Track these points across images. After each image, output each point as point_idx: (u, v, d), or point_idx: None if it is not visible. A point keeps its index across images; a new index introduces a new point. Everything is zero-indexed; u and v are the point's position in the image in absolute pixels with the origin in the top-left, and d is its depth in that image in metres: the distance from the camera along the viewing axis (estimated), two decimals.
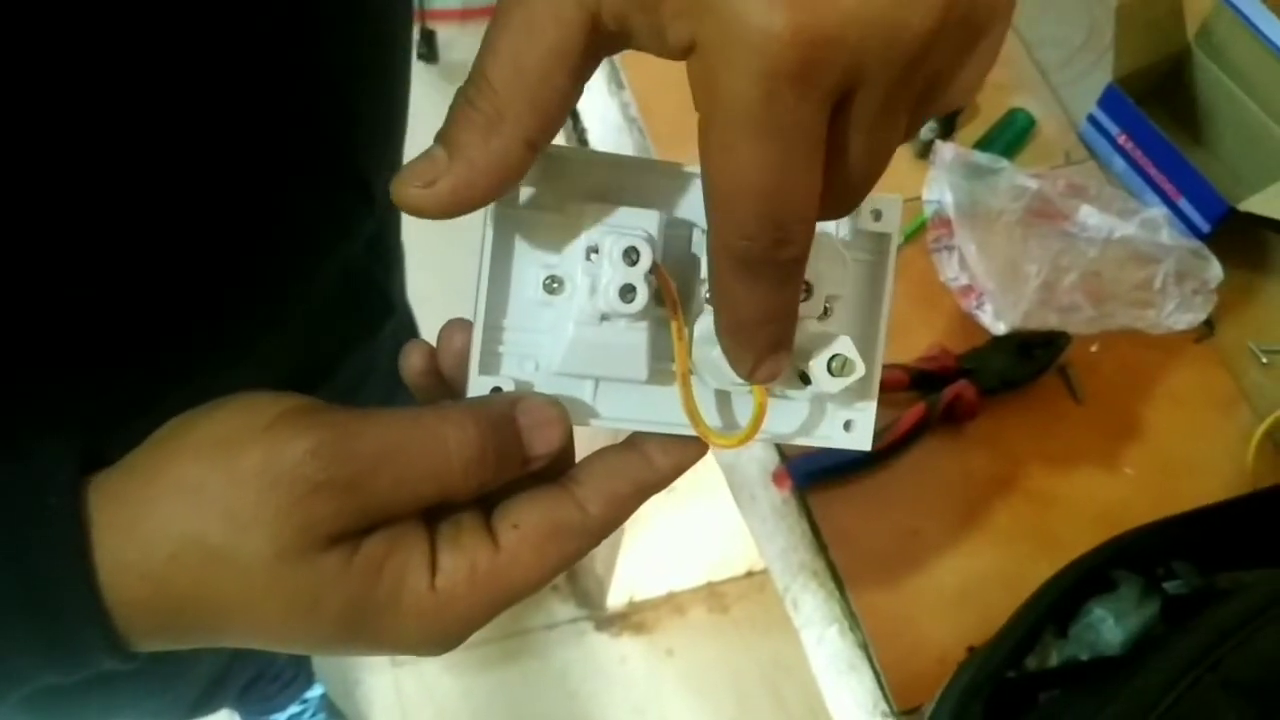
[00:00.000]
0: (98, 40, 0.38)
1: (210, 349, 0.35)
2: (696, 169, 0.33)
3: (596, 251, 0.33)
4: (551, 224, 0.35)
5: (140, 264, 0.45)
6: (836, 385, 0.34)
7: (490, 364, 0.35)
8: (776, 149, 0.26)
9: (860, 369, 0.34)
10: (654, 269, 0.33)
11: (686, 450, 0.35)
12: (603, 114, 0.84)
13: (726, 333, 0.31)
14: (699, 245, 0.35)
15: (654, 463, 0.35)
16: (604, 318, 0.34)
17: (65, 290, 0.42)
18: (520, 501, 0.34)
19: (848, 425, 0.38)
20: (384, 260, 0.64)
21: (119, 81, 0.40)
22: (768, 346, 0.31)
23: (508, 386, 0.35)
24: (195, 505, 0.30)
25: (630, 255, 0.33)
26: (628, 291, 0.33)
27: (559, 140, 0.33)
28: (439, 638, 0.33)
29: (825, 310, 0.35)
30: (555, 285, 0.35)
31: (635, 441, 0.35)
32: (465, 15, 2.02)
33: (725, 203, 0.28)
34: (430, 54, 1.95)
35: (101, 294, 0.44)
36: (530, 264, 0.36)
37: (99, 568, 0.30)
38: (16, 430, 0.35)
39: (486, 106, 0.30)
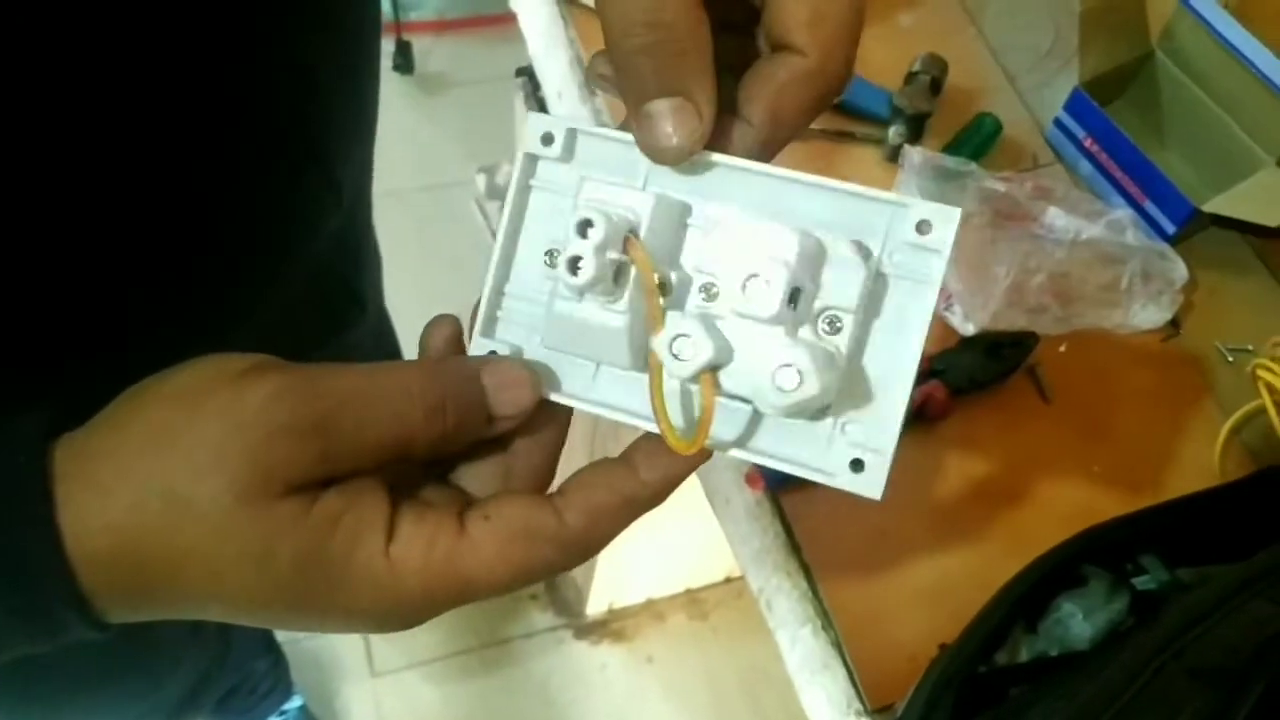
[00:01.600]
0: (66, 41, 0.38)
1: (177, 341, 0.35)
2: (711, 155, 0.33)
3: (591, 226, 0.32)
4: (559, 199, 0.35)
5: (103, 256, 0.45)
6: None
7: (490, 329, 0.35)
8: None
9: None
10: (627, 247, 0.32)
11: (672, 462, 0.34)
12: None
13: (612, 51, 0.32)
14: (693, 234, 0.34)
15: (639, 474, 0.34)
16: (582, 295, 0.33)
17: (31, 284, 0.42)
18: (497, 497, 0.34)
19: (856, 465, 0.34)
20: (353, 258, 0.64)
21: (81, 75, 0.40)
22: (651, 72, 0.32)
23: (504, 352, 0.35)
24: (157, 451, 0.30)
25: (583, 227, 0.32)
26: (574, 263, 0.32)
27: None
28: (389, 608, 0.33)
29: (830, 325, 0.33)
30: (551, 259, 0.35)
31: (627, 453, 0.35)
32: (440, 27, 2.02)
33: (829, 35, 0.32)
34: (406, 65, 1.95)
35: (68, 288, 0.44)
36: (538, 236, 0.36)
37: (63, 523, 0.30)
38: None
39: (678, 48, 0.32)
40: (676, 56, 0.32)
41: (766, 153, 0.34)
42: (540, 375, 0.34)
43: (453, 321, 0.36)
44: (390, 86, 1.97)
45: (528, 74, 1.00)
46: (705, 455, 0.34)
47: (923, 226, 0.33)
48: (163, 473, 0.30)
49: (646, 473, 0.34)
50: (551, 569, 0.34)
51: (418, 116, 1.95)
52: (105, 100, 0.41)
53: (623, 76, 0.32)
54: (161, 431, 0.30)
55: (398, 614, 0.33)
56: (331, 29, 0.54)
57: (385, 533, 0.32)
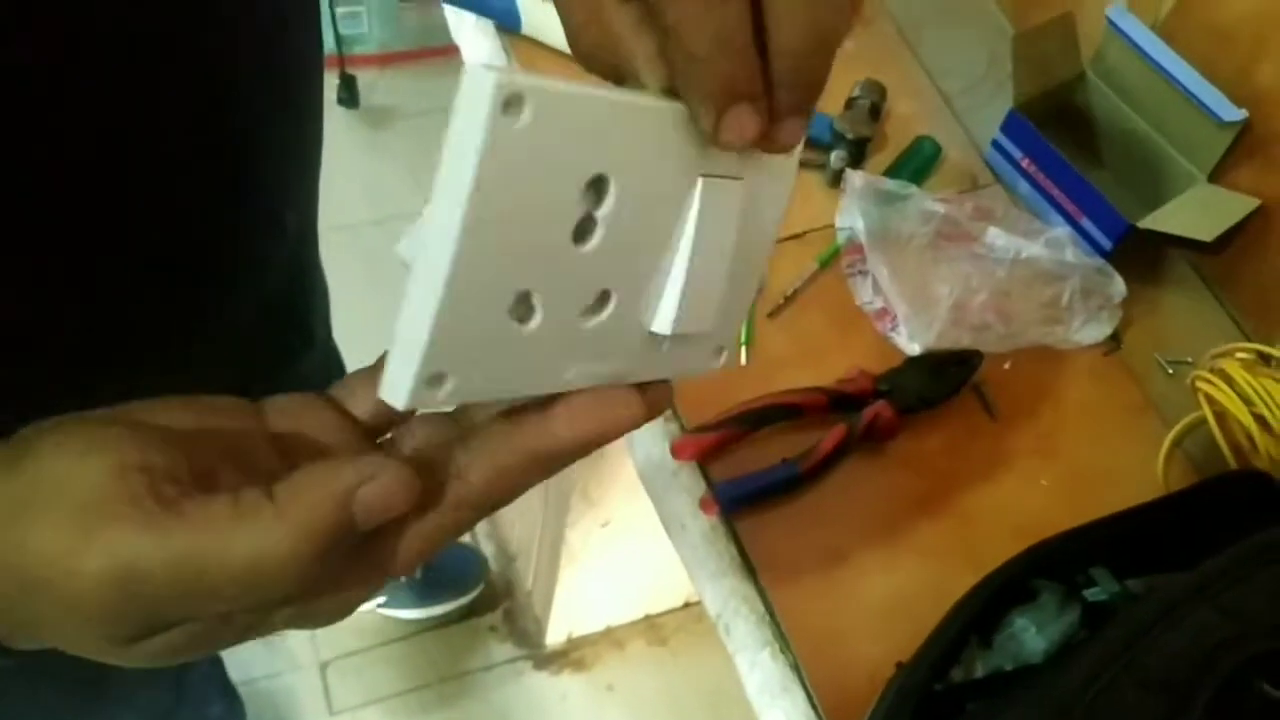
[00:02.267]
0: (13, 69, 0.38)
1: (121, 374, 0.34)
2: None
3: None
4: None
5: (48, 290, 0.45)
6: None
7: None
8: None
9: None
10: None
11: (601, 421, 0.32)
12: None
13: (679, 74, 0.30)
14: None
15: (554, 429, 0.32)
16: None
17: None
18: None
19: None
20: (302, 292, 0.64)
21: (17, 105, 0.39)
22: (726, 88, 0.29)
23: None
24: (3, 569, 0.30)
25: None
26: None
27: None
28: (309, 624, 0.33)
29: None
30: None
31: (543, 405, 0.32)
32: (384, 60, 2.02)
33: None
34: (350, 99, 1.95)
35: (8, 317, 0.44)
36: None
37: None
38: None
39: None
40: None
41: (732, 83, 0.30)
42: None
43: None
44: (335, 120, 1.97)
45: None
46: (627, 427, 0.33)
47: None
48: (20, 605, 0.31)
49: (565, 429, 0.32)
50: (450, 537, 0.33)
51: (364, 150, 1.94)
52: (37, 132, 0.41)
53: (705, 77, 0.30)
54: (6, 562, 0.30)
55: (314, 623, 0.33)
56: (270, 62, 0.54)
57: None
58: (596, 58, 0.33)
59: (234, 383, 0.37)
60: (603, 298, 0.32)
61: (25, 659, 0.33)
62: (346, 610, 0.33)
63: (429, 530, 0.32)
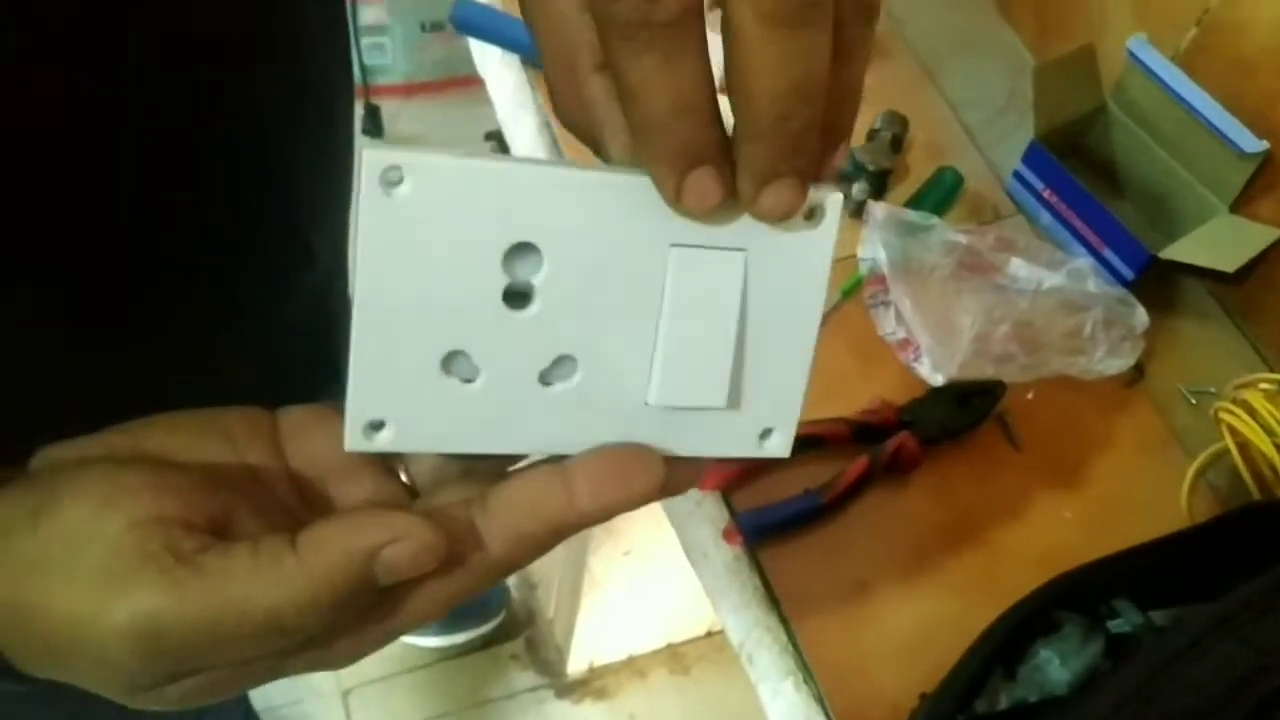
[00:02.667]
0: (36, 98, 0.39)
1: (143, 397, 0.35)
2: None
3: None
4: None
5: (73, 317, 0.46)
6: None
7: None
8: None
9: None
10: None
11: (619, 493, 0.32)
12: None
13: (638, 142, 0.29)
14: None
15: (576, 503, 0.32)
16: None
17: None
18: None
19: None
20: (329, 320, 0.64)
21: (46, 133, 0.40)
22: (682, 151, 0.28)
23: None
24: (26, 620, 0.31)
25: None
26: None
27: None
28: (327, 667, 0.33)
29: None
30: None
31: (566, 471, 0.32)
32: (409, 90, 2.05)
33: None
34: (375, 128, 1.97)
35: (29, 346, 0.44)
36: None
37: None
38: None
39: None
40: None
41: (779, 133, 0.28)
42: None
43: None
44: (359, 149, 1.99)
45: (496, 138, 1.01)
46: (648, 493, 0.33)
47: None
48: (45, 653, 0.31)
49: (584, 503, 0.32)
50: (467, 596, 0.33)
51: None
52: (70, 160, 0.41)
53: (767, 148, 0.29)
54: (29, 615, 0.31)
55: (331, 666, 0.33)
56: (301, 89, 0.55)
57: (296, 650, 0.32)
58: (574, 125, 0.33)
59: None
60: (563, 362, 0.33)
61: (49, 685, 0.33)
62: (359, 655, 0.33)
63: (449, 591, 0.32)
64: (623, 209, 0.31)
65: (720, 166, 0.29)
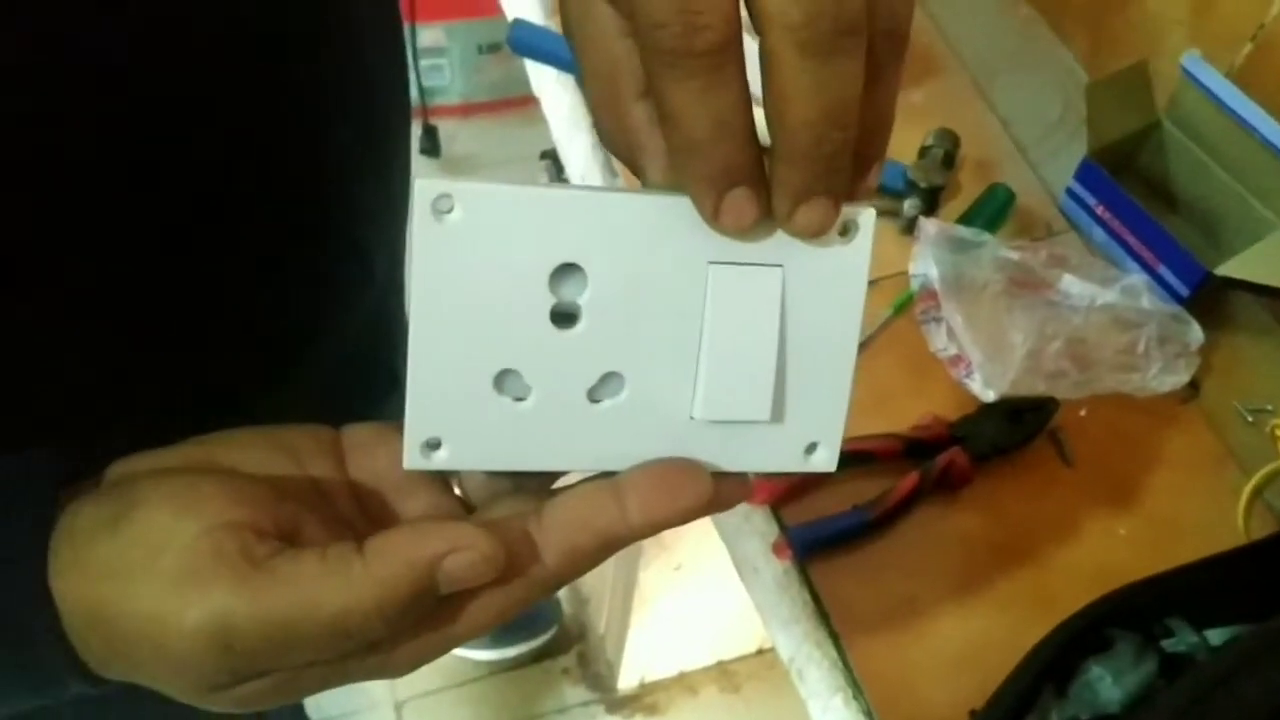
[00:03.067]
0: (98, 116, 0.40)
1: (208, 412, 0.37)
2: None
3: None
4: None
5: (136, 338, 0.47)
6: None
7: None
8: None
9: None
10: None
11: (670, 512, 0.33)
12: None
13: (678, 163, 0.30)
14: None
15: (628, 515, 0.33)
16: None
17: (41, 347, 0.44)
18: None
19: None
20: (387, 335, 0.66)
21: (106, 150, 0.41)
22: (721, 173, 0.30)
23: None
24: (104, 624, 0.32)
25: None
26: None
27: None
28: (387, 675, 0.34)
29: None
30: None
31: (617, 486, 0.33)
32: (466, 110, 2.07)
33: None
34: (433, 148, 2.00)
35: (81, 352, 0.46)
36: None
37: (57, 596, 0.32)
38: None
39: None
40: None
41: (819, 159, 0.30)
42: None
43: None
44: (417, 169, 2.01)
45: (551, 157, 1.03)
46: (698, 507, 0.34)
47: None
48: (120, 653, 0.33)
49: (635, 517, 0.33)
50: (525, 606, 0.34)
51: None
52: (126, 178, 0.43)
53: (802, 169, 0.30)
54: (99, 601, 0.32)
55: (391, 674, 0.34)
56: (362, 107, 0.56)
57: (358, 654, 0.33)
58: (615, 147, 0.35)
59: (320, 422, 0.39)
60: (610, 379, 0.34)
61: (119, 688, 0.35)
62: (419, 663, 0.34)
63: (505, 601, 0.33)
64: (661, 229, 0.32)
65: (756, 187, 0.30)
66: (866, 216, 0.33)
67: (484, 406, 0.33)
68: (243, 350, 0.52)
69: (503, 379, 0.33)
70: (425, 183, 0.31)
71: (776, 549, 0.71)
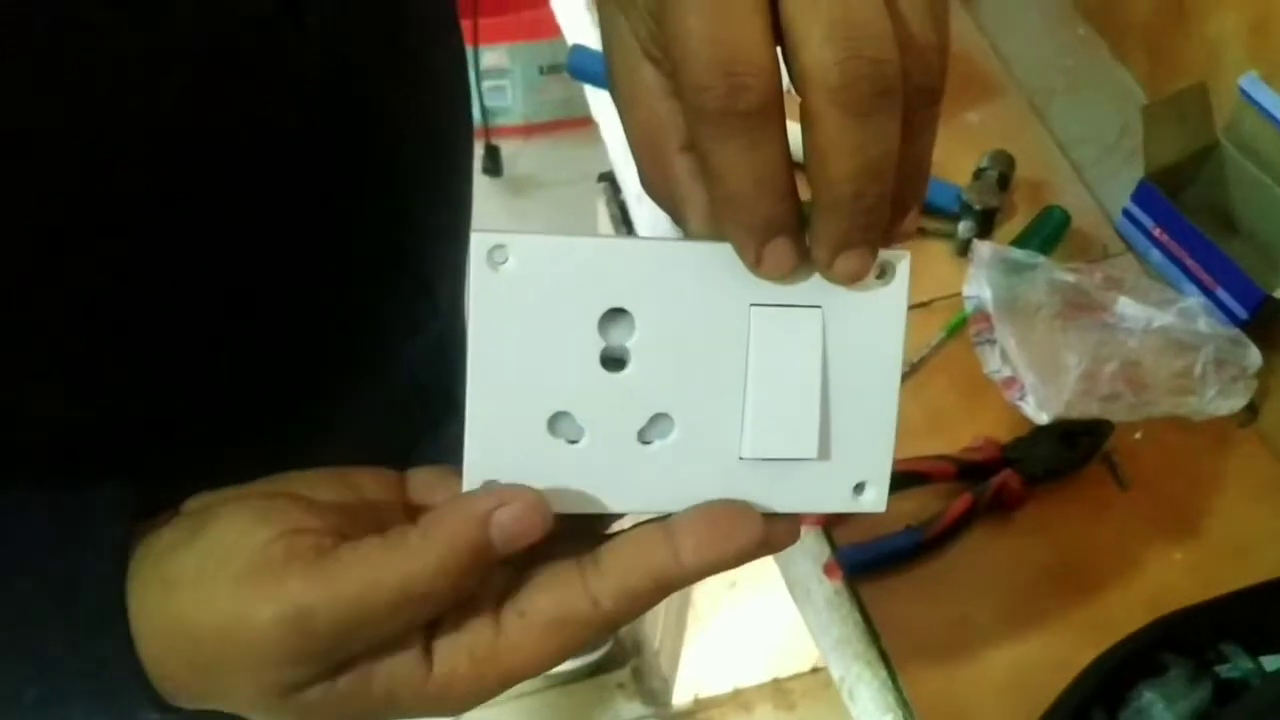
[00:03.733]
0: (176, 143, 0.41)
1: (273, 442, 0.39)
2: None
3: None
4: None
5: (208, 356, 0.49)
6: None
7: None
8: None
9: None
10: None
11: (721, 553, 0.34)
12: (654, 223, 0.89)
13: (722, 214, 0.32)
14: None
15: (680, 557, 0.34)
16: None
17: (100, 378, 0.45)
18: (531, 588, 0.35)
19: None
20: (449, 361, 0.67)
21: (199, 187, 0.43)
22: (764, 224, 0.31)
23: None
24: (180, 640, 0.34)
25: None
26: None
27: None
28: (441, 710, 0.35)
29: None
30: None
31: (669, 528, 0.34)
32: (528, 131, 2.10)
33: (678, 55, 0.29)
34: (495, 168, 2.03)
35: (168, 385, 0.48)
36: None
37: (135, 631, 0.34)
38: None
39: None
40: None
41: (859, 209, 0.31)
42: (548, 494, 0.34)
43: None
44: (480, 189, 2.03)
45: (609, 179, 1.04)
46: (750, 549, 0.35)
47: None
48: (186, 652, 0.34)
49: (688, 559, 0.34)
50: (584, 647, 0.35)
51: (507, 217, 2.01)
52: (192, 211, 0.44)
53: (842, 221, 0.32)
54: (180, 619, 0.34)
55: (452, 711, 0.35)
56: (429, 135, 0.57)
57: (424, 665, 0.34)
58: (658, 198, 0.37)
59: (383, 450, 0.41)
60: (659, 421, 0.35)
61: (186, 717, 0.36)
62: (475, 698, 0.35)
63: (560, 642, 0.35)
64: (704, 274, 0.34)
65: (795, 236, 0.32)
66: (902, 261, 0.35)
67: (539, 449, 0.35)
68: (305, 378, 0.54)
69: (556, 422, 0.35)
70: (481, 235, 0.33)
71: (827, 569, 0.72)
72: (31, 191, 0.38)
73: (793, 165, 0.31)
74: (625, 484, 0.35)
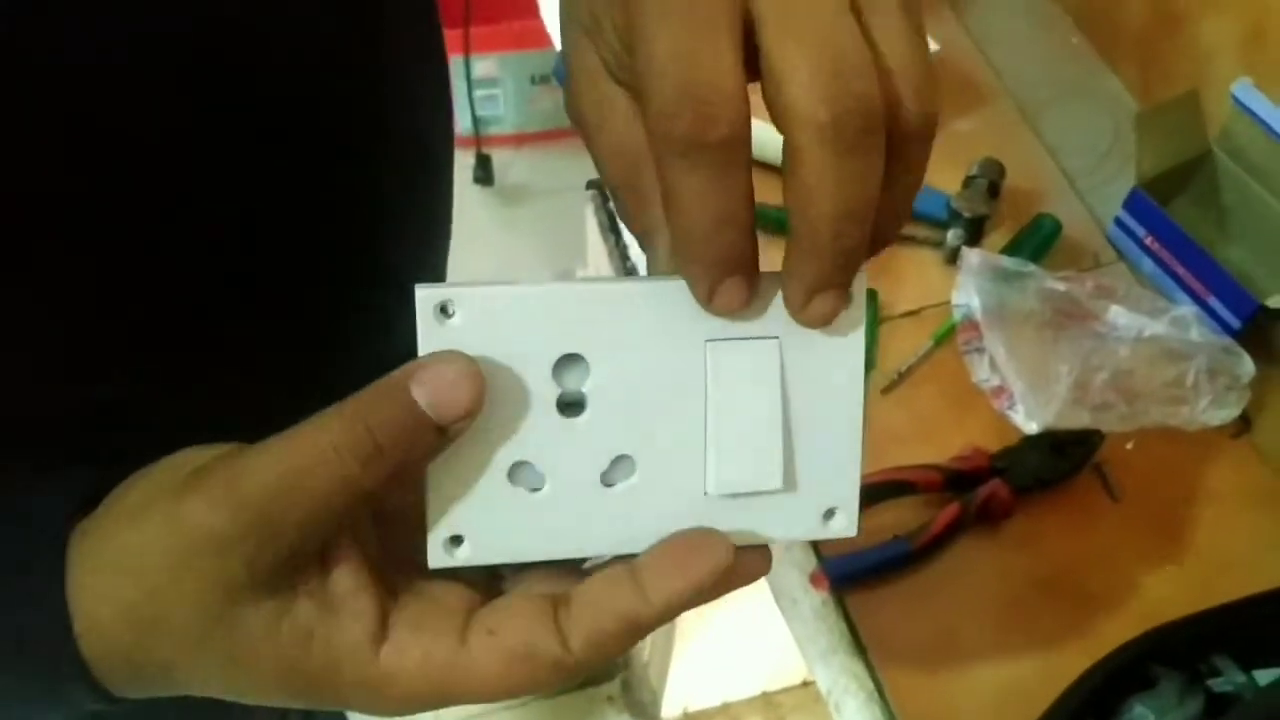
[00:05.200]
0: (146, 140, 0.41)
1: (251, 438, 0.37)
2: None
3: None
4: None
5: (174, 352, 0.48)
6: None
7: None
8: (686, 25, 0.28)
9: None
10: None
11: (683, 587, 0.33)
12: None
13: (678, 247, 0.31)
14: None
15: (647, 595, 0.33)
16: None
17: (90, 383, 0.44)
18: (505, 610, 0.33)
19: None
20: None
21: (172, 182, 0.42)
22: (720, 261, 0.30)
23: None
24: (121, 578, 0.32)
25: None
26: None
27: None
28: (380, 706, 0.34)
29: None
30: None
31: (634, 566, 0.33)
32: (519, 140, 2.10)
33: (646, 82, 0.29)
34: (486, 178, 2.02)
35: (130, 384, 0.47)
36: None
37: (74, 613, 0.32)
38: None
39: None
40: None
41: (838, 241, 0.30)
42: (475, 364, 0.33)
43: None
44: (472, 198, 2.03)
45: (596, 187, 1.04)
46: (717, 576, 0.34)
47: None
48: (131, 600, 0.32)
49: (655, 595, 0.33)
50: (544, 689, 0.33)
51: (498, 226, 2.01)
52: (160, 206, 0.43)
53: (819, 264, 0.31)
54: (119, 563, 0.32)
55: (386, 709, 0.34)
56: (398, 138, 0.56)
57: (373, 641, 0.32)
58: (633, 229, 0.36)
59: None
60: (621, 462, 0.34)
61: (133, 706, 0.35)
62: (414, 700, 0.34)
63: (527, 686, 0.33)
64: (656, 313, 0.33)
65: (751, 274, 0.32)
66: (859, 284, 0.34)
67: (501, 500, 0.34)
68: (274, 377, 0.53)
69: (517, 471, 0.34)
70: (425, 290, 0.32)
71: (814, 580, 0.71)
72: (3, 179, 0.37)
73: (753, 203, 0.30)
74: (591, 528, 0.35)
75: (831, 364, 0.35)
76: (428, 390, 0.31)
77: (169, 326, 0.47)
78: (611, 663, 1.62)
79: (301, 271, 0.51)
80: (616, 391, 0.34)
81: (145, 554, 0.31)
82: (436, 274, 0.67)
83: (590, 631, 0.33)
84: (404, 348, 0.65)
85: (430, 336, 0.33)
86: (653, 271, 0.35)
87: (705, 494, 0.35)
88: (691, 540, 0.34)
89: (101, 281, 0.43)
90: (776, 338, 0.34)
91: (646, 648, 1.56)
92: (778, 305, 0.33)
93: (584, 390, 0.34)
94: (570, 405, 0.34)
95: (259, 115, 0.45)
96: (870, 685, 0.68)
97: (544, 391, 0.33)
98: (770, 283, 0.33)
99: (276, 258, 0.50)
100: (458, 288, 0.32)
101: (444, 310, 0.32)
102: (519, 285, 0.33)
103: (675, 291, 0.33)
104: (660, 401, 0.34)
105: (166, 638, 0.32)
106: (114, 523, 0.33)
